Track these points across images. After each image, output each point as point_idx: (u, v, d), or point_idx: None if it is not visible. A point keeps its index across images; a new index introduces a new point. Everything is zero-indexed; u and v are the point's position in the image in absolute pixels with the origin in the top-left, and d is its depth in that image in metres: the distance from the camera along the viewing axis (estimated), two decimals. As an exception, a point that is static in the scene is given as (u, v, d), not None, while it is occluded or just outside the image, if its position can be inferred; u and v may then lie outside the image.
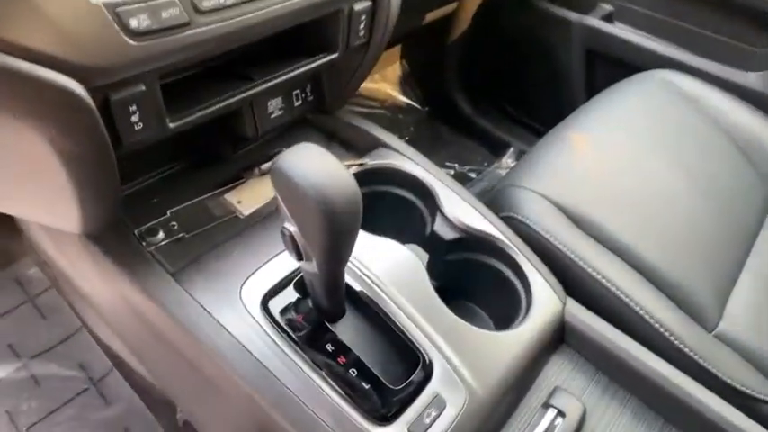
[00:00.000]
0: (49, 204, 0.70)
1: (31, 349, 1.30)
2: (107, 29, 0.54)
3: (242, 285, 0.71)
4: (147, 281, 0.72)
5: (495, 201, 0.97)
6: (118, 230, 0.78)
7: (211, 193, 0.87)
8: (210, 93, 0.74)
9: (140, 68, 0.59)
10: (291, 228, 0.57)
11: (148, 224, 0.80)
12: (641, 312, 0.83)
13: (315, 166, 0.52)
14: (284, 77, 0.80)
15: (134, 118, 0.62)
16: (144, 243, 0.77)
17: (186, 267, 0.74)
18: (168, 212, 0.82)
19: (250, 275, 0.72)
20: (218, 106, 0.73)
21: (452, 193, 0.89)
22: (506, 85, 1.95)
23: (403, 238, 0.83)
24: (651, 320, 0.82)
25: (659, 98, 1.23)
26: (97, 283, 0.87)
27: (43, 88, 0.52)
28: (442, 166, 1.89)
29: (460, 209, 0.87)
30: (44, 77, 0.52)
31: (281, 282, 0.72)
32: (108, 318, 1.02)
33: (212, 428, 0.93)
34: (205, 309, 0.69)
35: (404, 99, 2.12)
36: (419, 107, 2.11)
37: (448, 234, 0.86)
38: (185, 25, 0.59)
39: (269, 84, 0.78)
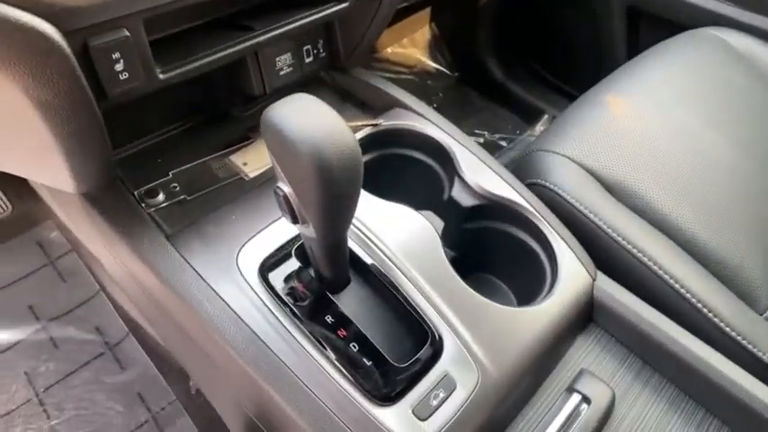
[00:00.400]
0: (40, 161, 0.66)
1: (50, 312, 1.30)
2: None
3: (239, 251, 0.66)
4: (141, 243, 0.68)
5: (521, 167, 0.90)
6: (117, 191, 0.74)
7: (216, 154, 0.82)
8: (207, 44, 0.68)
9: (119, 10, 0.54)
10: (285, 188, 0.51)
11: (149, 185, 0.76)
12: (681, 290, 0.75)
13: (309, 118, 0.45)
14: (287, 27, 0.73)
15: (118, 66, 0.57)
16: (143, 204, 0.74)
17: (184, 230, 0.70)
18: (170, 173, 0.79)
19: (248, 240, 0.67)
20: (213, 57, 0.67)
21: (473, 156, 0.82)
22: (541, 48, 1.83)
23: (418, 204, 0.77)
24: (693, 299, 0.74)
25: (708, 57, 1.12)
26: (99, 245, 0.84)
27: (12, 30, 0.47)
28: (471, 133, 1.81)
29: (481, 174, 0.80)
30: (12, 18, 0.47)
31: (281, 248, 0.67)
32: (116, 281, 0.99)
33: (217, 399, 0.90)
34: (199, 274, 0.64)
35: (433, 64, 2.03)
36: (449, 72, 2.01)
37: (466, 200, 0.79)
38: None
39: (270, 34, 0.72)
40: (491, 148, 1.77)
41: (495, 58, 1.91)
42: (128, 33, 0.56)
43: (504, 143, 1.78)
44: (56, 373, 1.21)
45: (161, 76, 0.63)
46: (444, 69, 2.02)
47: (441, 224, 0.76)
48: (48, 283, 1.34)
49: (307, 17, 0.75)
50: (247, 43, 0.70)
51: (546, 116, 1.78)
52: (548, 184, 0.84)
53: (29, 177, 0.77)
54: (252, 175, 0.80)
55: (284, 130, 0.44)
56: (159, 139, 0.84)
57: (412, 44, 2.03)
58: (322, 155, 0.43)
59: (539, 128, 1.77)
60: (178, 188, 0.77)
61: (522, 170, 0.88)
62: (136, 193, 0.75)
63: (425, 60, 2.02)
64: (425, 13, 1.97)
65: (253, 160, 0.82)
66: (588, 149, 0.89)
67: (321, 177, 0.44)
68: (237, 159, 0.82)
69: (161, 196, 0.75)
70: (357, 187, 0.49)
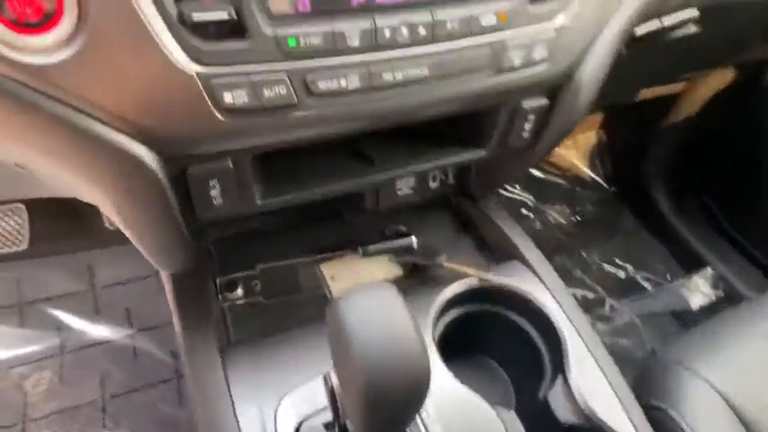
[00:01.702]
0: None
1: (141, 322, 1.34)
2: (195, 100, 0.44)
3: (283, 397, 0.59)
4: (194, 348, 0.64)
5: (647, 379, 0.74)
6: (199, 274, 0.72)
7: (307, 259, 0.77)
8: (317, 171, 0.62)
9: (228, 146, 0.50)
10: (335, 380, 0.44)
11: (232, 275, 0.74)
12: None
13: (378, 323, 0.38)
14: (410, 168, 0.65)
15: (213, 192, 0.53)
16: (220, 297, 0.72)
17: (240, 344, 0.66)
18: (257, 267, 0.75)
19: (297, 387, 0.60)
20: (320, 189, 0.61)
21: (586, 350, 0.68)
22: (723, 189, 1.59)
23: (503, 380, 0.66)
24: None
25: None
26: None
27: (107, 151, 0.45)
28: (610, 261, 1.61)
29: (591, 377, 0.65)
30: (110, 140, 0.44)
31: (326, 408, 0.59)
32: None
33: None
34: (234, 407, 0.59)
35: (588, 172, 1.85)
36: (605, 185, 1.83)
37: (564, 414, 0.64)
38: (291, 107, 0.47)
39: (390, 174, 0.64)
40: (631, 285, 1.55)
41: (663, 183, 1.70)
42: (231, 165, 0.52)
43: (647, 285, 1.55)
44: (125, 385, 1.25)
45: (259, 203, 0.58)
46: (600, 180, 1.84)
47: (520, 431, 0.63)
48: (149, 293, 1.40)
49: (435, 160, 0.66)
50: (361, 179, 0.63)
51: (710, 270, 1.50)
52: (672, 413, 0.68)
53: None
54: (336, 293, 0.74)
55: (346, 327, 0.38)
56: (258, 225, 0.81)
57: (572, 145, 1.88)
58: (378, 376, 0.37)
59: (696, 281, 1.50)
60: (258, 287, 0.75)
61: (647, 384, 0.73)
62: (218, 280, 0.73)
63: (581, 166, 1.86)
64: (596, 117, 1.82)
65: (341, 277, 0.76)
66: (740, 380, 0.71)
67: (372, 399, 0.37)
68: (327, 270, 0.76)
69: (239, 291, 0.74)
70: (412, 415, 0.41)
